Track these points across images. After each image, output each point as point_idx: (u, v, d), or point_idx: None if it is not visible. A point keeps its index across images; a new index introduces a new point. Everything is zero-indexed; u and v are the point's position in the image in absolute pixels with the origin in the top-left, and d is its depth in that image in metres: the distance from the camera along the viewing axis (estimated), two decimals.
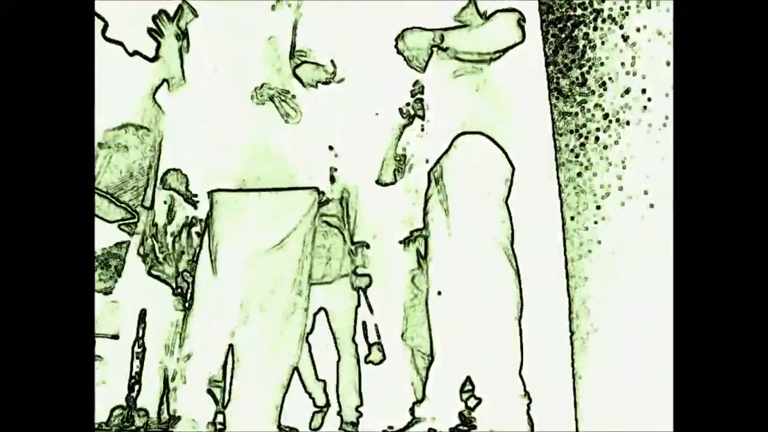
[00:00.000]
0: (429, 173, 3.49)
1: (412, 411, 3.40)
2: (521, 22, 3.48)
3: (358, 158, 3.62)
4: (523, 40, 3.48)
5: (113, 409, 3.52)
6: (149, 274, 3.63)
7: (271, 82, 3.53)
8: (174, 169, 3.68)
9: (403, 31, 3.55)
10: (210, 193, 3.57)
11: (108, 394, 3.51)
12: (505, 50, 3.50)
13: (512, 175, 3.46)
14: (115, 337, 3.56)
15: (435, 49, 3.52)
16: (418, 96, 3.54)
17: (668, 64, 3.33)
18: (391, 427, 3.42)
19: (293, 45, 3.55)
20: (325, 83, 3.55)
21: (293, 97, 3.51)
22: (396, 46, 3.55)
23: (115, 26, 3.63)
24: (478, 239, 3.40)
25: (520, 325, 3.38)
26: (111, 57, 3.60)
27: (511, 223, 3.42)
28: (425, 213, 3.49)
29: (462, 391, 3.35)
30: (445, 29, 3.51)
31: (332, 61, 3.55)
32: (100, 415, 3.48)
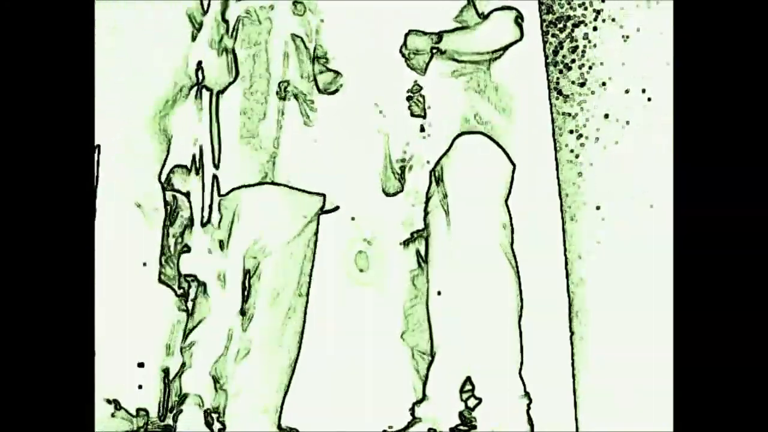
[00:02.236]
0: (430, 173, 3.49)
1: (412, 411, 3.40)
2: (518, 20, 3.47)
3: (360, 160, 3.62)
4: (521, 38, 3.47)
5: (113, 410, 3.52)
6: None
7: (292, 81, 3.52)
8: (179, 166, 3.65)
9: (405, 34, 3.55)
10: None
11: (108, 394, 3.51)
12: (503, 49, 3.49)
13: (513, 173, 3.45)
14: None
15: (434, 52, 3.52)
16: (417, 95, 3.54)
17: (668, 64, 3.34)
18: (390, 427, 3.42)
19: (312, 49, 3.54)
20: (332, 93, 3.54)
21: (312, 101, 3.51)
22: (400, 50, 3.55)
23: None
24: (478, 239, 3.40)
25: (520, 325, 3.38)
26: (111, 55, 3.62)
27: (511, 223, 3.42)
28: (426, 213, 3.49)
29: (462, 391, 3.34)
30: (443, 32, 3.51)
31: (337, 71, 3.54)
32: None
